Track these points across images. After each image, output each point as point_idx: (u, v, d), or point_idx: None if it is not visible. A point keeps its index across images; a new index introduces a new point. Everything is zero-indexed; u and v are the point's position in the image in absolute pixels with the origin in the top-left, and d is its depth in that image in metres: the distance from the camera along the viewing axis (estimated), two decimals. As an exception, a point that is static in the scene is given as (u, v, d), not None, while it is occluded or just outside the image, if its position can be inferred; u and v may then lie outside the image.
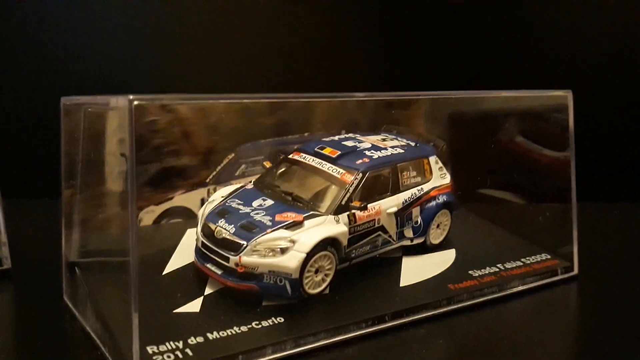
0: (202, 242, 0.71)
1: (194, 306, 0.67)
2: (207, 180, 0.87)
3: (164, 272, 0.74)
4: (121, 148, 0.84)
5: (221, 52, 1.24)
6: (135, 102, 0.55)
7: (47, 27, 1.19)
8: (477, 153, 0.94)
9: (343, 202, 0.72)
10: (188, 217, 0.87)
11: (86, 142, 0.75)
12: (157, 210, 0.85)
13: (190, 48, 1.22)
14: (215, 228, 0.70)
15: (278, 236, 0.67)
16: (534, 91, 0.84)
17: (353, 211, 0.72)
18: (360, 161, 0.76)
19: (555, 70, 1.23)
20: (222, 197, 0.75)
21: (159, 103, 0.57)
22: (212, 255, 0.70)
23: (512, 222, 0.94)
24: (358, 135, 0.83)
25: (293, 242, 0.67)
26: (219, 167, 0.87)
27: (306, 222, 0.69)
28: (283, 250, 0.67)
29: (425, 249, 0.84)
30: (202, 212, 0.74)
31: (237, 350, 0.60)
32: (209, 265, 0.70)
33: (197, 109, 0.85)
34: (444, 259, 0.82)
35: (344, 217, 0.72)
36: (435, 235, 0.84)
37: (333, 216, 0.71)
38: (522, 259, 0.84)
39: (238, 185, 0.78)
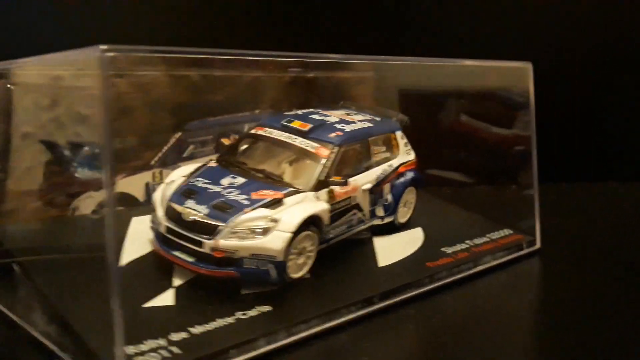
0: (167, 227, 0.62)
1: (166, 299, 0.58)
2: (152, 162, 0.77)
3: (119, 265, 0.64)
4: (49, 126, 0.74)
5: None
6: (109, 54, 0.46)
7: None
8: (431, 132, 0.92)
9: (322, 178, 0.66)
10: (130, 204, 0.77)
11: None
12: (96, 197, 0.74)
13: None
14: (183, 209, 0.61)
15: (258, 215, 0.60)
16: (493, 61, 0.82)
17: (332, 187, 0.66)
18: (334, 134, 0.70)
19: (515, 44, 1.22)
20: (183, 177, 0.67)
21: (135, 55, 0.48)
22: (180, 241, 0.61)
23: (467, 202, 0.93)
24: (321, 110, 0.78)
25: (275, 221, 0.60)
26: (165, 148, 0.78)
27: (286, 200, 0.62)
28: (265, 231, 0.60)
29: (392, 228, 0.79)
30: (162, 194, 0.65)
31: (227, 344, 0.53)
32: (176, 253, 0.61)
33: (140, 84, 0.75)
34: (414, 238, 0.79)
35: (323, 193, 0.66)
36: (402, 214, 0.81)
37: (313, 193, 0.65)
38: (488, 235, 0.82)
39: (198, 165, 0.69)
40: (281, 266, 0.60)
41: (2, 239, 0.66)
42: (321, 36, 1.17)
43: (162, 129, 0.78)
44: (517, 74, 0.83)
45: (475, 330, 0.63)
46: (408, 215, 0.82)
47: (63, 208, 0.72)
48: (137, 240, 0.68)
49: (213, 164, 0.68)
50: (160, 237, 0.63)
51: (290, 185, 0.65)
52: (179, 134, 0.78)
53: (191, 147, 0.80)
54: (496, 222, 0.87)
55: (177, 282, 0.61)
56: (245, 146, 0.71)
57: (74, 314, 0.54)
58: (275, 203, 0.62)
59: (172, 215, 0.62)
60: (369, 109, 0.83)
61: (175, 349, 0.51)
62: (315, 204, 0.64)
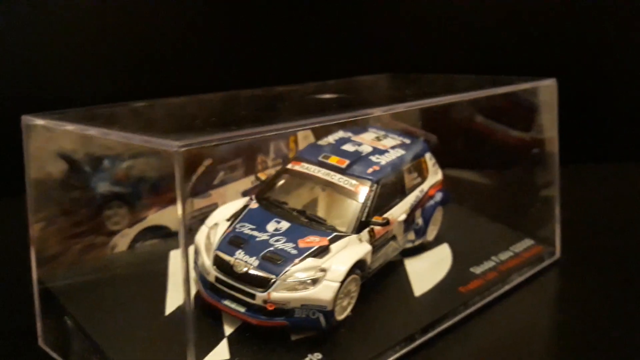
0: (217, 277, 0.63)
1: (222, 353, 0.60)
2: (184, 192, 0.77)
3: (167, 312, 0.65)
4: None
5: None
6: (183, 149, 0.45)
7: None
8: (448, 136, 0.92)
9: (363, 218, 0.67)
10: (164, 235, 0.78)
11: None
12: (130, 233, 0.74)
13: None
14: (234, 261, 0.62)
15: (308, 266, 0.61)
16: (518, 85, 0.82)
17: (371, 227, 0.68)
18: (371, 170, 0.71)
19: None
20: (227, 220, 0.67)
21: (209, 145, 0.48)
22: (231, 292, 0.62)
23: (484, 206, 0.95)
24: (350, 134, 0.78)
25: (324, 270, 0.62)
26: (195, 176, 0.78)
27: (332, 246, 0.64)
28: (314, 282, 0.61)
29: (420, 247, 0.81)
30: (206, 239, 0.66)
31: (289, 398, 0.55)
32: (227, 303, 0.62)
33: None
34: (442, 257, 0.81)
35: (365, 234, 0.67)
36: (430, 232, 0.82)
37: (355, 235, 0.66)
38: (511, 248, 0.84)
39: (237, 204, 0.70)
40: (330, 314, 0.62)
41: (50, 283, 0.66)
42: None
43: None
44: (541, 92, 0.83)
45: (512, 357, 0.66)
46: (435, 233, 0.83)
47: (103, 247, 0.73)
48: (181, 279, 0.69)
49: (254, 205, 0.69)
50: (208, 285, 0.64)
51: (332, 228, 0.66)
52: (209, 160, 0.78)
53: (221, 173, 0.80)
54: (517, 231, 0.89)
55: (227, 330, 0.63)
56: (282, 182, 0.71)
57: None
58: (322, 251, 0.63)
59: (222, 265, 0.63)
60: (394, 126, 0.83)
61: (245, 414, 0.53)
62: (359, 248, 0.65)
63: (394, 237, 0.73)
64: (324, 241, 0.64)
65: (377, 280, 0.73)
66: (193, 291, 0.68)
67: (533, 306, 0.77)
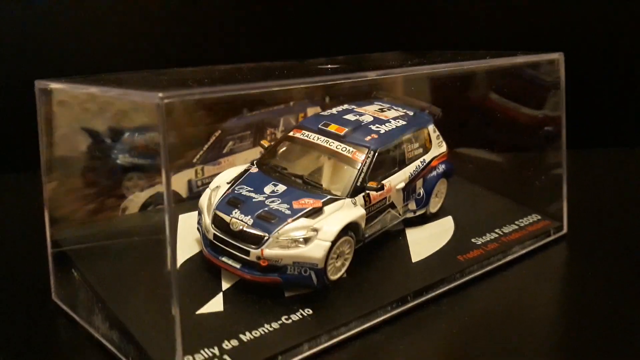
0: (215, 234, 0.66)
1: (216, 305, 0.63)
2: (194, 160, 0.81)
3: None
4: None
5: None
6: (166, 101, 0.49)
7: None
8: (458, 112, 0.93)
9: (358, 183, 0.69)
10: (174, 200, 0.81)
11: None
12: (141, 196, 0.78)
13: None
14: (230, 219, 0.65)
15: (300, 225, 0.64)
16: (524, 57, 0.83)
17: (367, 192, 0.70)
18: (369, 137, 0.73)
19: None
20: (227, 183, 0.70)
21: (191, 99, 0.51)
22: (228, 249, 0.66)
23: (495, 183, 0.95)
24: (354, 106, 0.80)
25: (316, 230, 0.64)
26: (206, 146, 0.81)
27: (325, 208, 0.66)
28: (306, 240, 0.64)
29: (424, 218, 0.83)
30: (208, 200, 0.69)
31: (275, 350, 0.57)
32: (224, 259, 0.66)
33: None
34: (445, 229, 0.82)
35: (359, 198, 0.69)
36: (434, 204, 0.84)
37: (350, 199, 0.68)
38: (517, 222, 0.85)
39: (239, 169, 0.73)
40: (321, 272, 0.64)
41: (62, 242, 0.71)
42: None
43: (202, 128, 0.81)
44: (549, 65, 0.84)
45: (506, 324, 0.67)
46: (439, 205, 0.85)
47: (114, 209, 0.77)
48: (187, 239, 0.73)
49: (255, 170, 0.72)
50: (208, 243, 0.68)
51: (328, 192, 0.68)
52: (219, 132, 0.82)
53: (230, 143, 0.83)
54: (524, 206, 0.90)
55: (225, 285, 0.66)
56: (283, 149, 0.74)
57: (138, 319, 0.59)
58: (315, 212, 0.65)
59: (220, 223, 0.66)
60: (401, 101, 0.85)
61: (227, 358, 0.56)
62: (352, 211, 0.67)
63: (392, 205, 0.75)
64: (318, 203, 0.66)
65: (376, 246, 0.75)
66: (197, 249, 0.71)
67: (533, 277, 0.77)
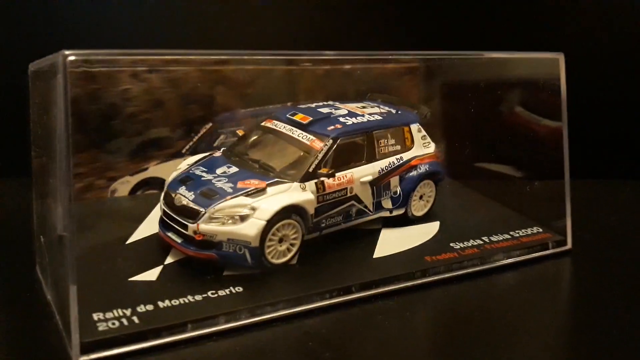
0: (164, 210, 0.69)
1: (151, 275, 0.65)
2: (184, 150, 0.85)
3: (128, 242, 0.72)
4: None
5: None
6: (70, 58, 0.52)
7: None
8: (469, 123, 0.90)
9: (311, 169, 0.69)
10: (161, 187, 0.85)
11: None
12: (132, 180, 0.83)
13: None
14: (175, 195, 0.68)
15: (238, 203, 0.65)
16: (522, 53, 0.79)
17: (321, 179, 0.69)
18: (331, 127, 0.72)
19: (549, 35, 1.15)
20: (188, 165, 0.73)
21: (95, 58, 0.54)
22: (172, 224, 0.68)
23: (506, 195, 0.90)
24: (337, 103, 0.80)
25: (254, 209, 0.65)
26: (196, 137, 0.85)
27: (269, 189, 0.66)
28: (243, 218, 0.64)
29: (407, 220, 0.80)
30: (167, 181, 0.72)
31: (187, 318, 0.58)
32: (170, 234, 0.68)
33: (171, 79, 0.83)
34: (426, 231, 0.78)
35: (311, 185, 0.69)
36: (418, 207, 0.80)
37: (299, 184, 0.68)
38: (511, 232, 0.79)
39: (207, 154, 0.75)
40: (256, 251, 0.64)
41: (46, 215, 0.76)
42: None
43: (195, 120, 0.85)
44: (548, 65, 0.79)
45: (453, 328, 0.62)
46: (426, 209, 0.82)
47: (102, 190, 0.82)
48: (155, 220, 0.76)
49: (218, 154, 0.74)
50: (161, 219, 0.70)
51: (279, 176, 0.69)
52: (210, 124, 0.85)
53: (222, 136, 0.86)
54: (529, 219, 0.84)
55: (168, 260, 0.68)
56: (254, 137, 0.76)
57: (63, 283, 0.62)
58: (257, 192, 0.66)
59: (168, 199, 0.69)
60: (394, 102, 0.84)
61: (135, 319, 0.57)
62: (297, 194, 0.67)
63: (357, 199, 0.73)
64: (262, 184, 0.66)
65: (341, 240, 0.74)
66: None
67: (516, 288, 0.71)
